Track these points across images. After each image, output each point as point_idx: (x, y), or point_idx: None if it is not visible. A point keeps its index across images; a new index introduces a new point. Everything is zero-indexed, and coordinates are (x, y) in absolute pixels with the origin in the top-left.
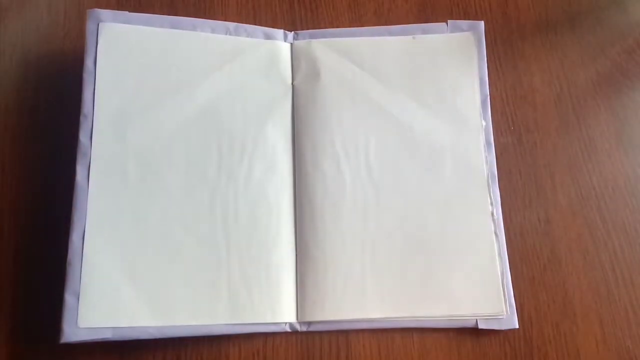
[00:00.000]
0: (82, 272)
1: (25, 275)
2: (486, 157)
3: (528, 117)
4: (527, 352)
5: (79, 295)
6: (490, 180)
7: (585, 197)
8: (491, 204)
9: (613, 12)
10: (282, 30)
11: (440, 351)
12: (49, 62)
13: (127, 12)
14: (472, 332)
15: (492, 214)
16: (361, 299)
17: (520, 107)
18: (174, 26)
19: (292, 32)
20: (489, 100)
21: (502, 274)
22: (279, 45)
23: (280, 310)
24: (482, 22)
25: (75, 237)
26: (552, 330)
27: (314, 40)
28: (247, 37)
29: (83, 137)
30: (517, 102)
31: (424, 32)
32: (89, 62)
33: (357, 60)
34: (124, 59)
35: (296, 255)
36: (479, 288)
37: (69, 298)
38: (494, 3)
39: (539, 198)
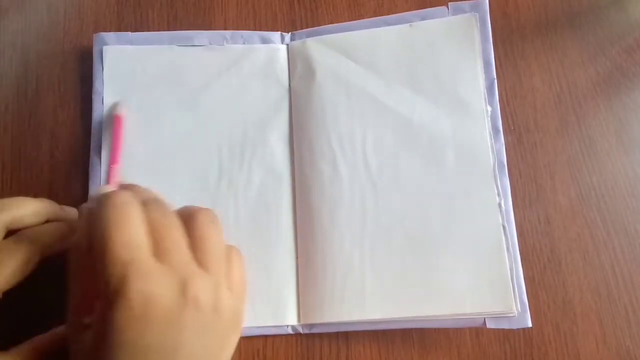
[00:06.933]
0: None
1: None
2: (492, 144)
3: (528, 117)
4: (527, 352)
5: None
6: (497, 170)
7: (585, 197)
8: (498, 194)
9: (613, 12)
10: (279, 33)
11: (440, 352)
12: (49, 62)
13: (128, 32)
14: (473, 333)
15: (500, 205)
16: (361, 300)
17: (520, 107)
18: (172, 41)
19: (289, 33)
20: (496, 84)
21: (512, 269)
22: (276, 48)
23: (282, 313)
24: (487, 0)
25: None
26: (552, 330)
27: (308, 39)
28: (244, 43)
29: (93, 155)
30: (517, 102)
31: (424, 18)
32: (97, 84)
33: (352, 54)
34: (128, 78)
35: (296, 257)
36: (486, 285)
37: None
38: (494, 3)
39: (539, 198)
